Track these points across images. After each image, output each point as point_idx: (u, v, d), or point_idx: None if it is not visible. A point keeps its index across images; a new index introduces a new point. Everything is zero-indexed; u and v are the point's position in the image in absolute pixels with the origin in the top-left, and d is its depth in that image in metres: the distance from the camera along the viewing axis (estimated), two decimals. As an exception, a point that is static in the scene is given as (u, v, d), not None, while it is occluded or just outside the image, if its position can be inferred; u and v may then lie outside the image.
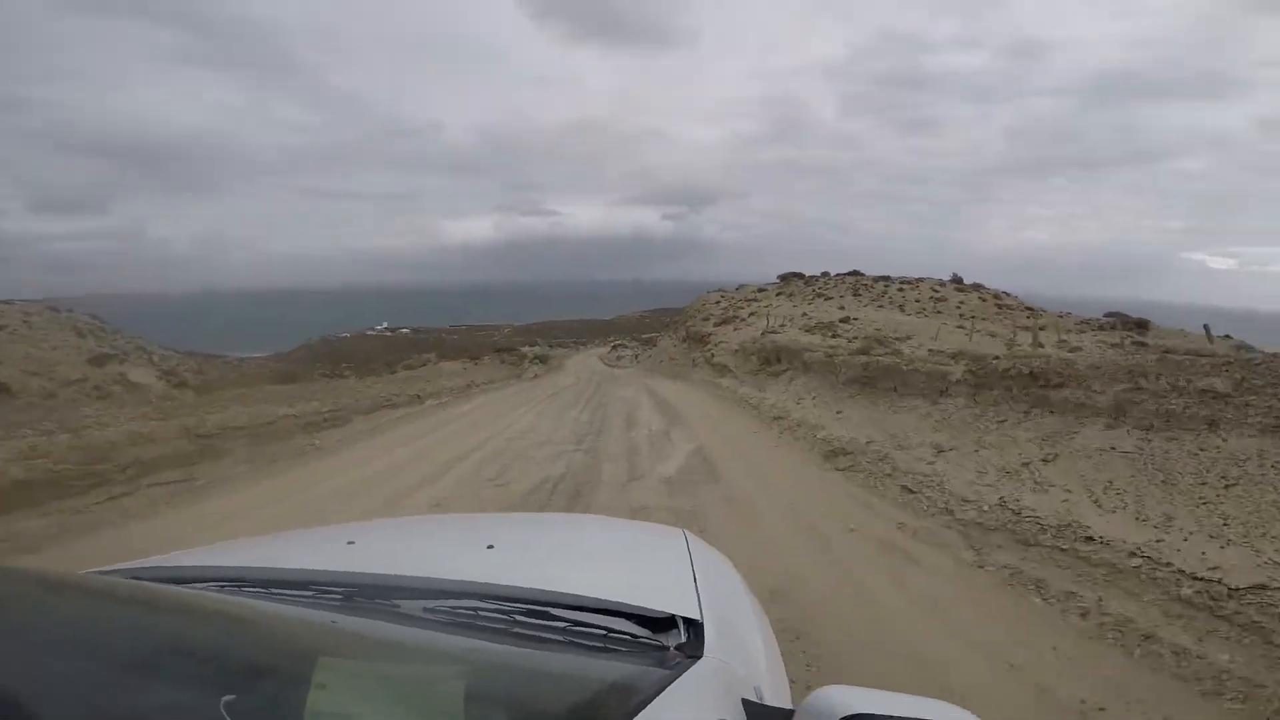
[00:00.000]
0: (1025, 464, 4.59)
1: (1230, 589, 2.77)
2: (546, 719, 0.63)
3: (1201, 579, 2.90)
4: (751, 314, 21.03)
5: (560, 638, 0.83)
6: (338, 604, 0.90)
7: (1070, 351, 11.50)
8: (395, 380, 12.67)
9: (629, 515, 4.35)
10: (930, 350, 9.07)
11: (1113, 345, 14.45)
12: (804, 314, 18.95)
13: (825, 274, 28.62)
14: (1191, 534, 3.23)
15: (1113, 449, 4.23)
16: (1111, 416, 4.51)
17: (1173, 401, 4.25)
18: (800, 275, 29.06)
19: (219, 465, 5.86)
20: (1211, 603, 2.77)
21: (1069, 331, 17.13)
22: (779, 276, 29.72)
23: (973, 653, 2.60)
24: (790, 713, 0.69)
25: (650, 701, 0.62)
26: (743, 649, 0.96)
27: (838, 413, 7.73)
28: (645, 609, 0.91)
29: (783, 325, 17.17)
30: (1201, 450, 3.79)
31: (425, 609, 0.87)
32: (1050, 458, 4.52)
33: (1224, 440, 3.77)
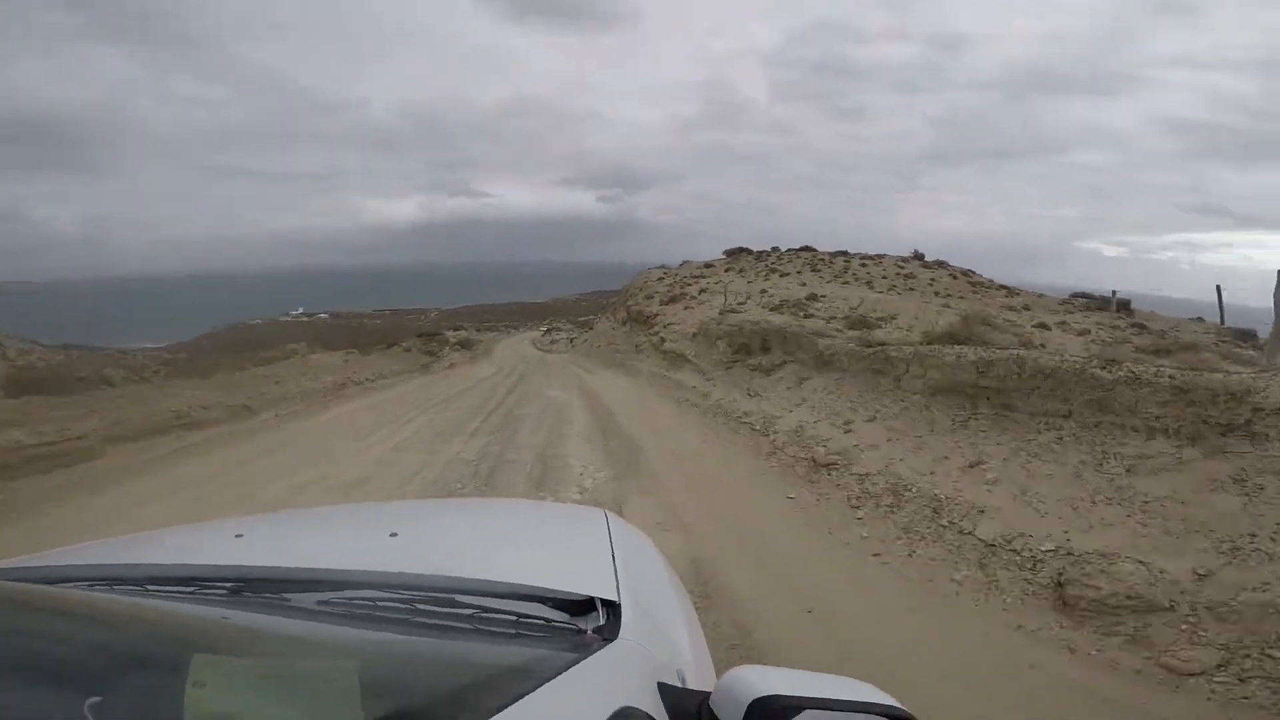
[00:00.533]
0: None
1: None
2: (429, 705, 0.56)
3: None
4: (702, 291, 18.38)
5: (467, 625, 0.77)
6: (222, 600, 0.83)
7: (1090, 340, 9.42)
8: (230, 382, 9.09)
9: None
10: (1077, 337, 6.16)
11: (1113, 328, 12.94)
12: (762, 290, 16.47)
13: (775, 249, 26.35)
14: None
15: None
16: None
17: None
18: (749, 250, 26.66)
19: None
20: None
21: (1054, 312, 15.46)
22: (725, 252, 27.27)
23: None
24: (706, 695, 0.68)
25: (546, 683, 0.59)
26: (663, 631, 0.94)
27: (971, 465, 4.29)
28: (560, 592, 0.87)
29: (742, 303, 14.74)
30: None
31: (319, 602, 0.81)
32: None
33: None
